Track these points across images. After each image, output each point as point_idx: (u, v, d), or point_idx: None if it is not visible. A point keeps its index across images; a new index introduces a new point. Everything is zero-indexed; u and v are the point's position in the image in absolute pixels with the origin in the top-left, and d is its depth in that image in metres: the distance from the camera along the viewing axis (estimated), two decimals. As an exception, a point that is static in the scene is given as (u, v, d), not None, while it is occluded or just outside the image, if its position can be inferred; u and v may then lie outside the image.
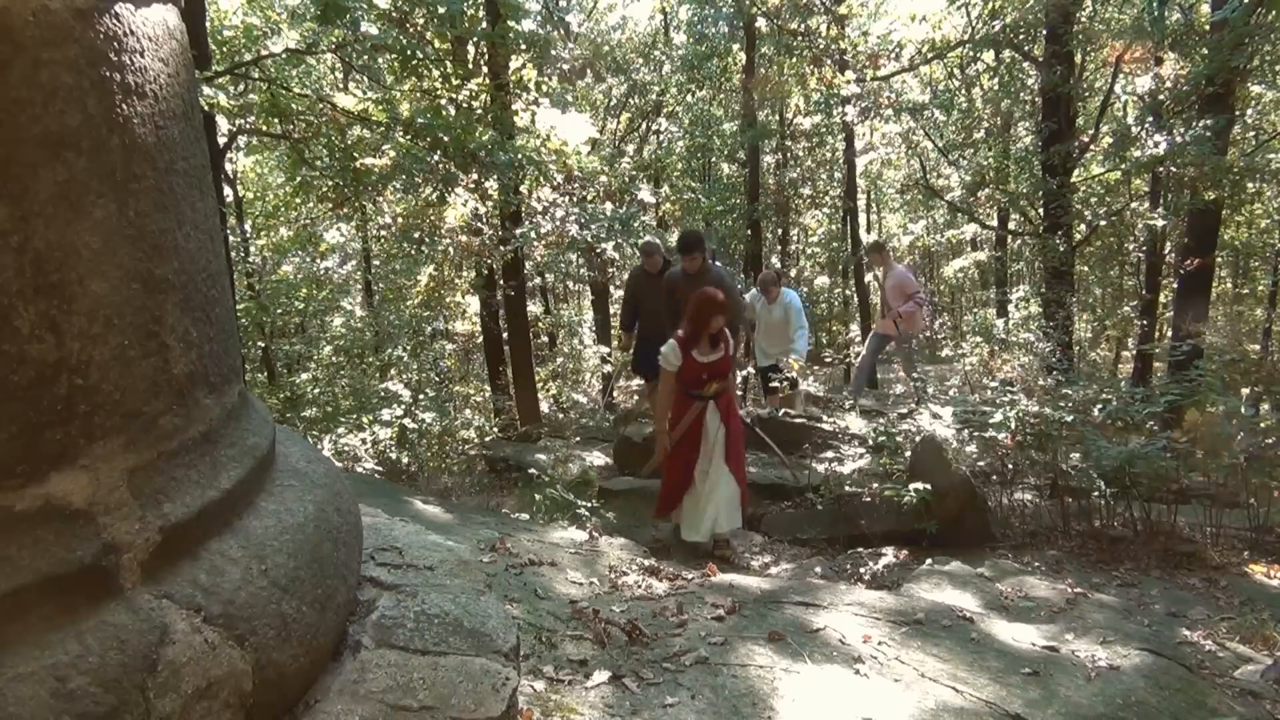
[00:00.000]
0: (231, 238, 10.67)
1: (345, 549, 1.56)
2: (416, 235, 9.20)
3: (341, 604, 1.50)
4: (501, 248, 8.73)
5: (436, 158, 7.22)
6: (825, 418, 8.10)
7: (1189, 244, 8.99)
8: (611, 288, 17.37)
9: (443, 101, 7.64)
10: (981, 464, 6.13)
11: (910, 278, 8.41)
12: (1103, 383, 6.01)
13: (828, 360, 15.92)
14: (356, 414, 7.61)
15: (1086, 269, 13.62)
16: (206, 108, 6.22)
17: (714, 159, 16.64)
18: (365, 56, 7.72)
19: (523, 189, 8.54)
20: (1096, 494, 4.83)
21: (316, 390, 9.65)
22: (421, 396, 8.48)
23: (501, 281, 10.20)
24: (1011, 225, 13.98)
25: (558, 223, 8.47)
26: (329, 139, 7.56)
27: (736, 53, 14.60)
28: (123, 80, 1.15)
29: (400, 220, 9.31)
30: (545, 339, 17.26)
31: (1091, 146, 10.53)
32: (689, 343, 4.39)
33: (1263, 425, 5.05)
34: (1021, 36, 10.51)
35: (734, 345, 5.50)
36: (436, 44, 8.02)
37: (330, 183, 8.10)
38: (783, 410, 7.20)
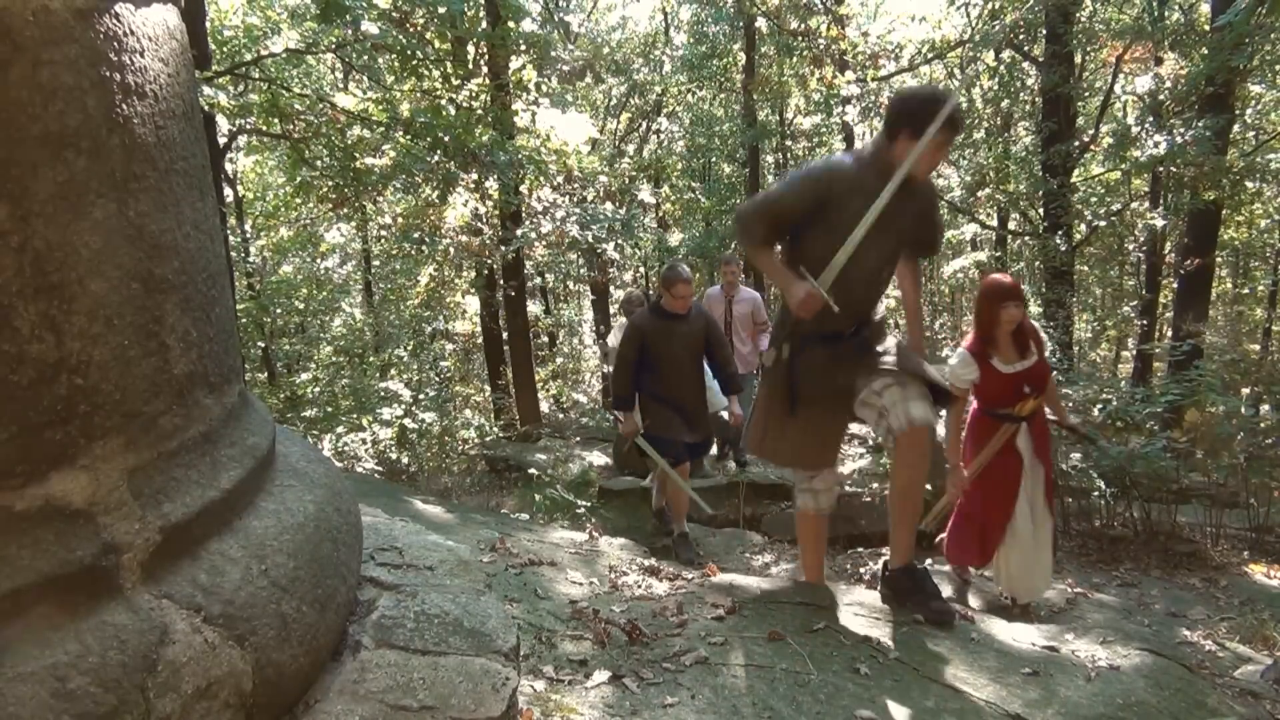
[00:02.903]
0: (231, 238, 10.68)
1: (345, 549, 1.56)
2: (416, 235, 9.20)
3: (341, 604, 1.50)
4: (501, 248, 8.73)
5: (436, 158, 7.23)
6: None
7: (1189, 244, 8.99)
8: (612, 288, 17.38)
9: (443, 101, 7.65)
10: (982, 464, 6.11)
11: (761, 301, 6.50)
12: (1103, 383, 6.02)
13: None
14: (356, 414, 7.62)
15: (1086, 269, 13.63)
16: (206, 108, 6.22)
17: (714, 159, 16.65)
18: (365, 56, 7.73)
19: (523, 189, 8.54)
20: (1096, 494, 4.83)
21: (316, 390, 9.66)
22: (421, 396, 8.50)
23: (501, 281, 10.21)
24: (1011, 225, 13.98)
25: (558, 223, 8.47)
26: (329, 139, 7.57)
27: (736, 53, 14.61)
28: (123, 80, 1.15)
29: (400, 220, 9.31)
30: (545, 339, 17.27)
31: (1091, 146, 10.53)
32: (983, 348, 3.36)
33: (1263, 425, 5.05)
34: (1021, 36, 10.51)
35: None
36: (436, 44, 8.03)
37: (330, 183, 8.11)
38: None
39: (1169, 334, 10.20)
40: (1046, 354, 3.48)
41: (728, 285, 6.18)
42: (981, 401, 3.43)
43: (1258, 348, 12.63)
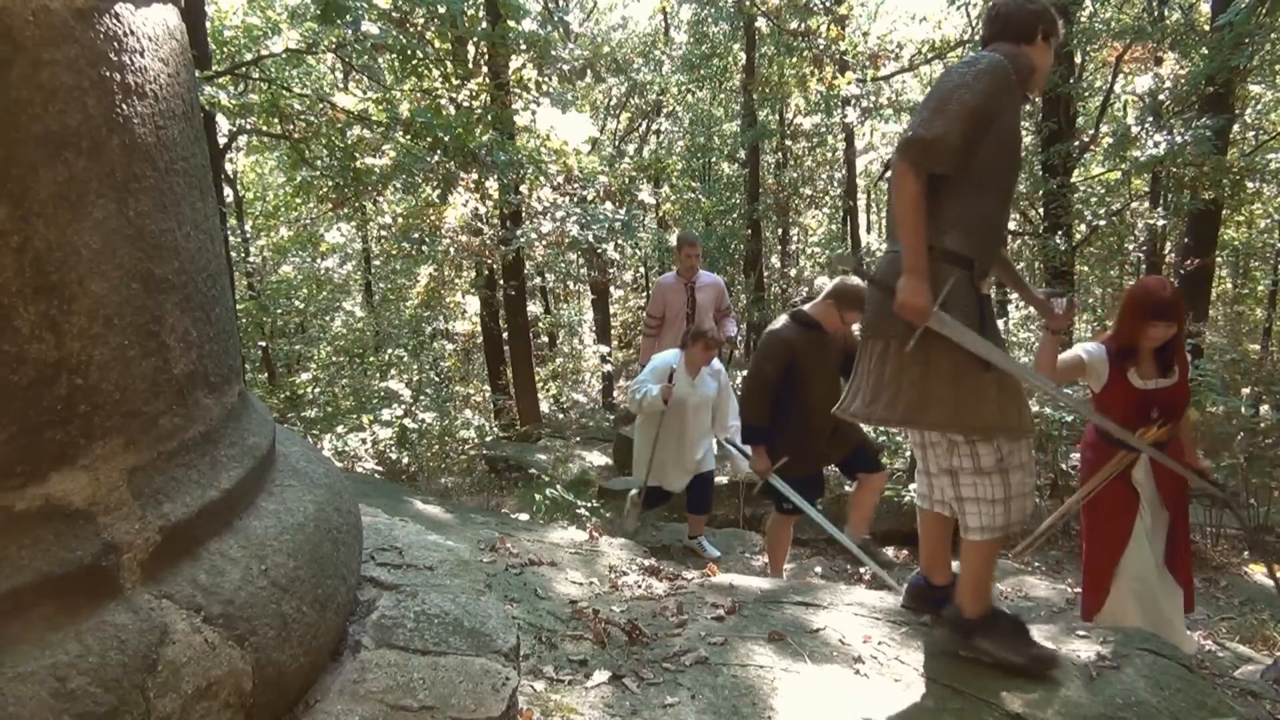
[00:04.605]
0: (231, 238, 10.69)
1: (345, 549, 1.56)
2: (416, 235, 9.20)
3: (341, 604, 1.50)
4: (501, 248, 8.74)
5: (436, 158, 7.23)
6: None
7: (1189, 244, 8.99)
8: (612, 288, 17.38)
9: (443, 101, 7.65)
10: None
11: (723, 285, 5.86)
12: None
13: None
14: (356, 414, 7.62)
15: (1086, 269, 13.62)
16: (206, 107, 6.22)
17: (714, 159, 16.65)
18: (365, 56, 7.72)
19: (523, 189, 8.54)
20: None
21: (316, 390, 9.66)
22: (421, 396, 8.50)
23: (501, 281, 10.21)
24: (1011, 225, 13.97)
25: (558, 223, 8.47)
26: (329, 139, 7.57)
27: (736, 53, 14.61)
28: (123, 80, 1.15)
29: (400, 220, 9.31)
30: (545, 339, 17.27)
31: (1091, 146, 10.53)
32: (1121, 355, 2.80)
33: (1263, 425, 5.06)
34: (1021, 36, 10.50)
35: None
36: (436, 44, 8.03)
37: (330, 183, 8.11)
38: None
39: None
40: (1189, 376, 2.89)
41: (687, 270, 5.45)
42: (1107, 414, 2.85)
43: (1258, 348, 12.63)
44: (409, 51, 7.36)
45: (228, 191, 11.26)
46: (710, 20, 14.34)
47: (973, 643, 2.41)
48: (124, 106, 1.15)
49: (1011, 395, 2.26)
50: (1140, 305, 2.72)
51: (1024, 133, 13.45)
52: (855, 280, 3.66)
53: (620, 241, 9.42)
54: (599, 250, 9.34)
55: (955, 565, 2.97)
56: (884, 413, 2.29)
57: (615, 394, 14.70)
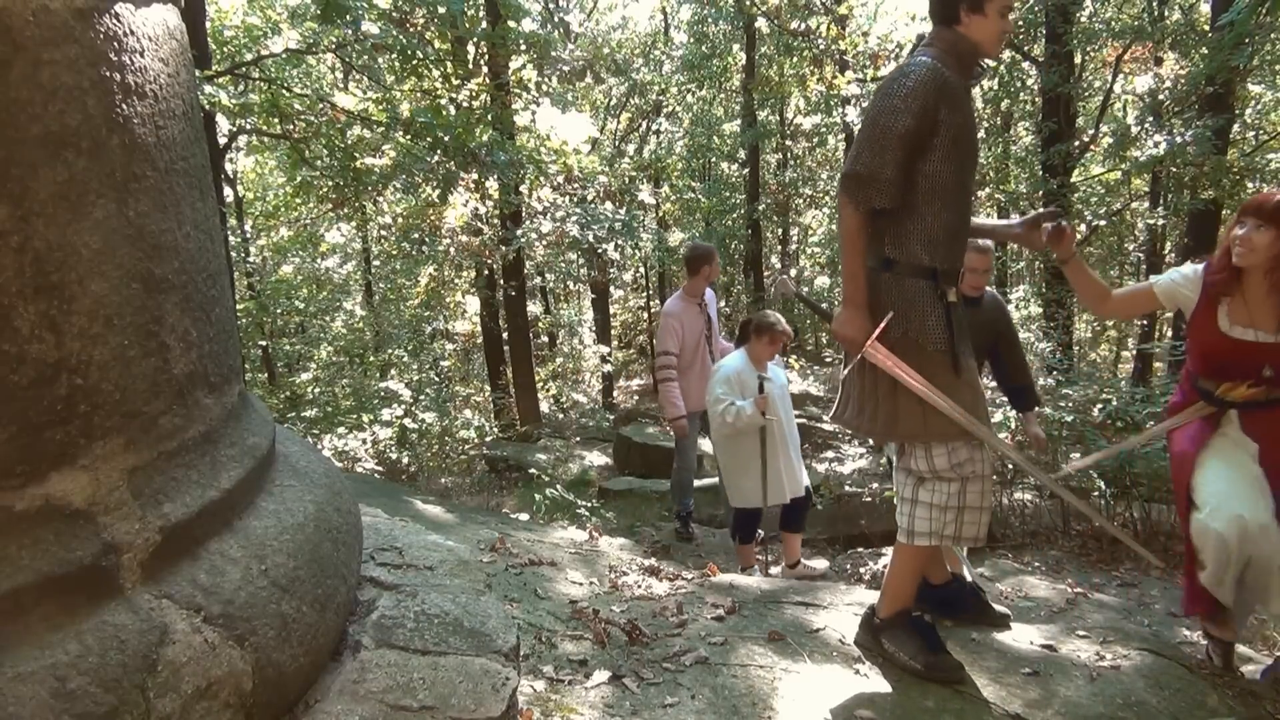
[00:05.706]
0: (231, 238, 10.69)
1: (345, 549, 1.56)
2: (416, 235, 9.21)
3: (341, 604, 1.50)
4: (501, 248, 8.74)
5: (436, 158, 7.23)
6: (826, 417, 8.09)
7: (1189, 244, 8.99)
8: (612, 288, 17.39)
9: (443, 101, 7.65)
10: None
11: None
12: (1103, 383, 6.01)
13: (829, 360, 15.93)
14: (356, 414, 7.61)
15: (1086, 269, 13.62)
16: (207, 107, 6.22)
17: (714, 159, 16.66)
18: (365, 56, 7.73)
19: (523, 189, 8.55)
20: (1096, 494, 4.83)
21: (316, 390, 9.66)
22: (421, 396, 8.49)
23: (501, 281, 10.21)
24: (1012, 225, 13.97)
25: (558, 223, 8.48)
26: (329, 139, 7.58)
27: (736, 53, 14.62)
28: (123, 80, 1.15)
29: (400, 220, 9.32)
30: (545, 339, 17.29)
31: (1091, 146, 10.53)
32: (1217, 282, 2.30)
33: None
34: (1021, 36, 10.52)
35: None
36: (436, 44, 8.03)
37: (330, 183, 8.12)
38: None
39: (1169, 334, 10.21)
40: None
41: (696, 289, 4.71)
42: (1191, 356, 2.45)
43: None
44: (409, 51, 7.36)
45: (228, 191, 11.27)
46: (710, 20, 14.35)
47: (880, 643, 2.41)
48: (124, 106, 1.15)
49: (983, 400, 2.23)
50: (1241, 206, 2.21)
51: (1024, 133, 13.48)
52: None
53: (620, 241, 9.42)
54: (599, 250, 9.34)
55: (959, 564, 2.97)
56: (869, 425, 2.28)
57: (615, 394, 14.71)
